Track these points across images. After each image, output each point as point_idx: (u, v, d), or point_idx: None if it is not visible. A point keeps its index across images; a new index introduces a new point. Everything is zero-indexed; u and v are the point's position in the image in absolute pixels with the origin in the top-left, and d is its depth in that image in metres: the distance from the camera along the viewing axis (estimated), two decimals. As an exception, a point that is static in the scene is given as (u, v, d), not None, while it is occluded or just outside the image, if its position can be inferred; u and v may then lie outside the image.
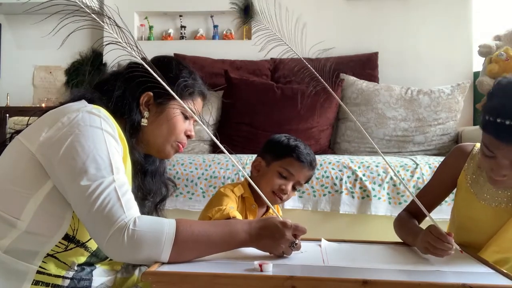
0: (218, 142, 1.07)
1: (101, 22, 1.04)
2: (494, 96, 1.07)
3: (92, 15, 1.04)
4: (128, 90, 1.09)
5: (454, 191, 1.32)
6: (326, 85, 1.05)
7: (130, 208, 0.91)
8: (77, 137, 0.94)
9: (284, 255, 1.01)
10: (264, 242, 1.00)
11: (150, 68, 1.05)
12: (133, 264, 1.21)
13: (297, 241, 1.01)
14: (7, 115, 3.27)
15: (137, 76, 1.06)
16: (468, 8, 3.28)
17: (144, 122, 1.11)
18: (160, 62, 1.16)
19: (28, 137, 0.99)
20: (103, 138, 0.96)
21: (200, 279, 0.86)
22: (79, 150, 0.93)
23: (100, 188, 0.90)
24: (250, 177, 1.53)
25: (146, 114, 1.11)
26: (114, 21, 1.05)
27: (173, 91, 1.08)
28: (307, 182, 1.53)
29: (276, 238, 0.99)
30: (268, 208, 1.51)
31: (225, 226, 1.01)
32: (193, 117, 1.17)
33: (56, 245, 0.96)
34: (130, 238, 0.88)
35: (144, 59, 1.08)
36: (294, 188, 1.48)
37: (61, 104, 1.07)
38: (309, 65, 1.05)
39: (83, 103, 1.03)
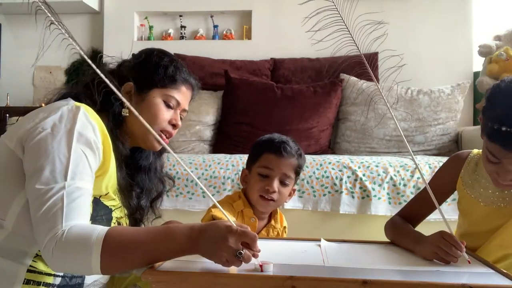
0: (176, 155, 1.00)
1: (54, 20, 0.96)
2: (496, 103, 1.08)
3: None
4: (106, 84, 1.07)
5: (456, 198, 1.34)
6: (365, 61, 1.00)
7: (71, 219, 0.86)
8: (46, 136, 0.93)
9: (232, 265, 0.86)
10: (204, 248, 0.87)
11: (91, 61, 0.99)
12: None
13: (243, 251, 0.84)
14: (7, 115, 3.27)
15: (115, 70, 1.09)
16: (468, 8, 3.29)
17: (124, 112, 1.10)
18: (143, 54, 1.18)
19: (9, 135, 0.99)
20: (71, 140, 0.93)
21: (200, 278, 0.86)
22: (42, 149, 0.92)
23: (49, 194, 0.87)
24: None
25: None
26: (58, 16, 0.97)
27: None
28: (298, 173, 1.42)
29: (217, 243, 0.85)
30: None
31: (161, 231, 0.89)
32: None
33: None
34: (57, 247, 0.83)
35: (91, 56, 1.06)
36: (284, 184, 1.38)
37: (48, 102, 1.07)
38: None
39: (67, 100, 1.03)
